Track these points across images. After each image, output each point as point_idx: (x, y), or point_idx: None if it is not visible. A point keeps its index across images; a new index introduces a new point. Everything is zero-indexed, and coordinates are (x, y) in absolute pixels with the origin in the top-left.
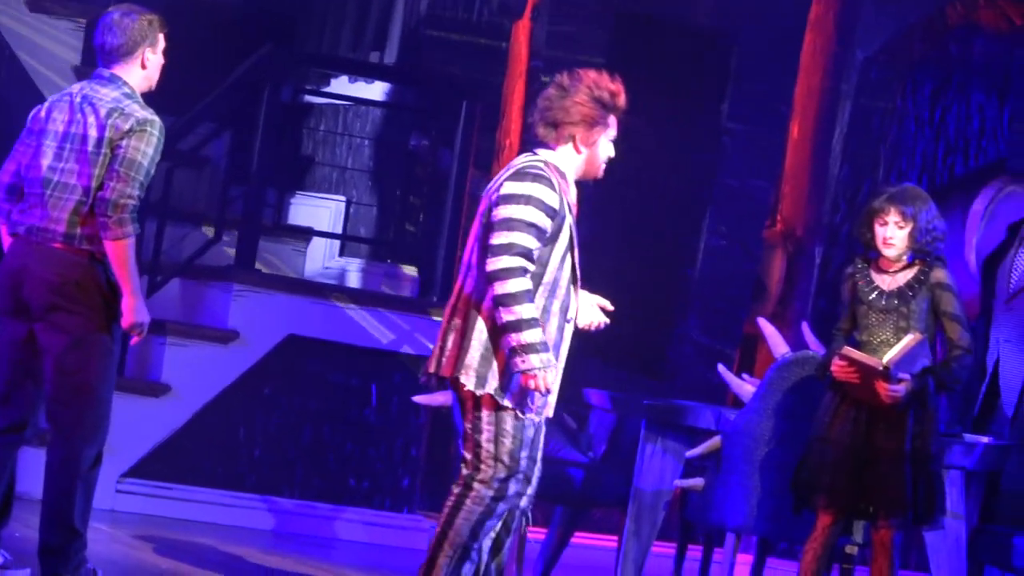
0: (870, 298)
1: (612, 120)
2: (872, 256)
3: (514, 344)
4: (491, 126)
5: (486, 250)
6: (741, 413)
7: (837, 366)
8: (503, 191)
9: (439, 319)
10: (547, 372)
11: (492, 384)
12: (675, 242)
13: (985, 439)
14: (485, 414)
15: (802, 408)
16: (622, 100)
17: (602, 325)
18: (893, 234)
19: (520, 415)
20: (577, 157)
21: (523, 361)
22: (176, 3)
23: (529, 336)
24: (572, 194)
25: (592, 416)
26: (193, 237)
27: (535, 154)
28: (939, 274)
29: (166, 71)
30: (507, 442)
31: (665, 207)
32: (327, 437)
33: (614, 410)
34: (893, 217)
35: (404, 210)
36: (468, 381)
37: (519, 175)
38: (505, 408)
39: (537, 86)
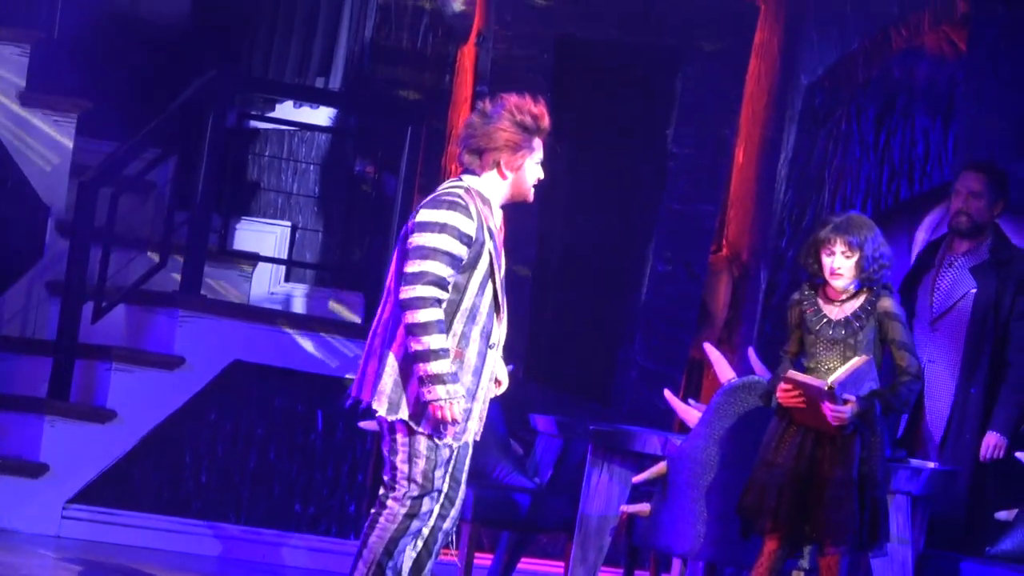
0: (817, 328)
1: (537, 143)
2: (819, 283)
3: (422, 374)
4: (437, 151)
5: (402, 277)
6: (687, 438)
7: (782, 391)
8: (418, 219)
9: None
10: (453, 403)
11: (404, 411)
12: (620, 266)
13: (931, 464)
14: (399, 437)
15: (748, 433)
16: (546, 122)
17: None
18: (840, 264)
19: (435, 441)
20: (503, 182)
21: (429, 392)
22: (120, 26)
23: (436, 367)
24: (495, 220)
25: (538, 441)
26: (138, 262)
27: (460, 180)
28: (885, 303)
29: (111, 95)
30: (420, 463)
31: (610, 232)
32: (273, 462)
33: (560, 435)
34: (840, 247)
35: (349, 235)
36: (380, 407)
37: (435, 203)
38: (419, 432)
39: None
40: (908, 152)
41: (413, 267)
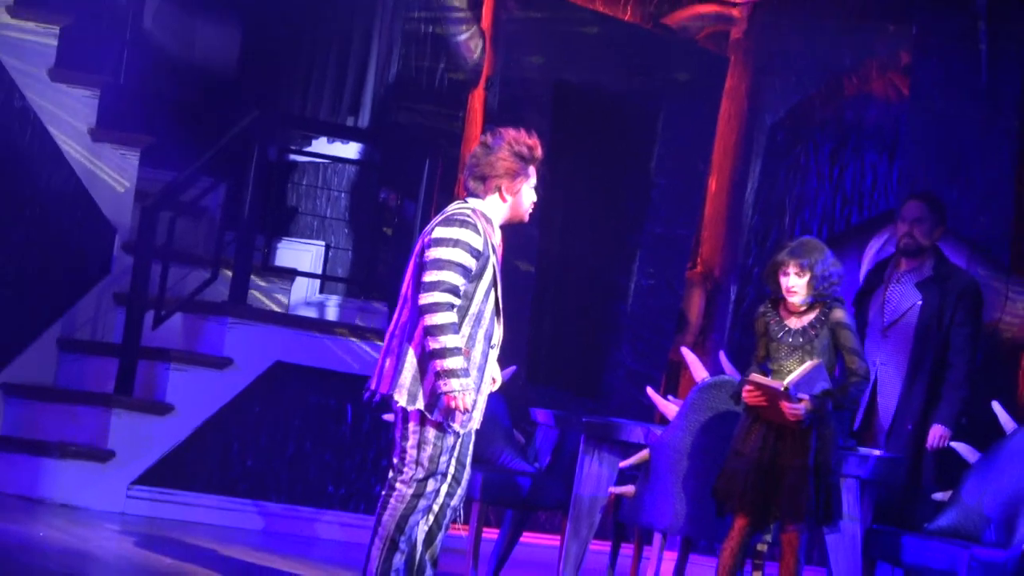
0: (779, 336)
1: (532, 170)
2: (780, 298)
3: (438, 369)
4: (450, 181)
5: (420, 285)
6: (667, 429)
7: (746, 391)
8: (434, 235)
9: None
10: (465, 394)
11: (420, 401)
12: (610, 281)
13: (877, 452)
14: (412, 425)
15: (719, 425)
16: (539, 152)
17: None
18: (794, 283)
19: (444, 427)
20: (503, 205)
21: (445, 384)
22: (178, 71)
23: (451, 363)
24: (496, 237)
25: (537, 432)
26: (193, 276)
27: (465, 202)
28: (837, 314)
29: (170, 131)
30: (428, 449)
31: (601, 251)
32: (309, 450)
33: (557, 427)
34: (793, 269)
35: (375, 253)
36: (401, 398)
37: (448, 221)
38: (431, 421)
39: None
40: (858, 183)
41: (431, 277)
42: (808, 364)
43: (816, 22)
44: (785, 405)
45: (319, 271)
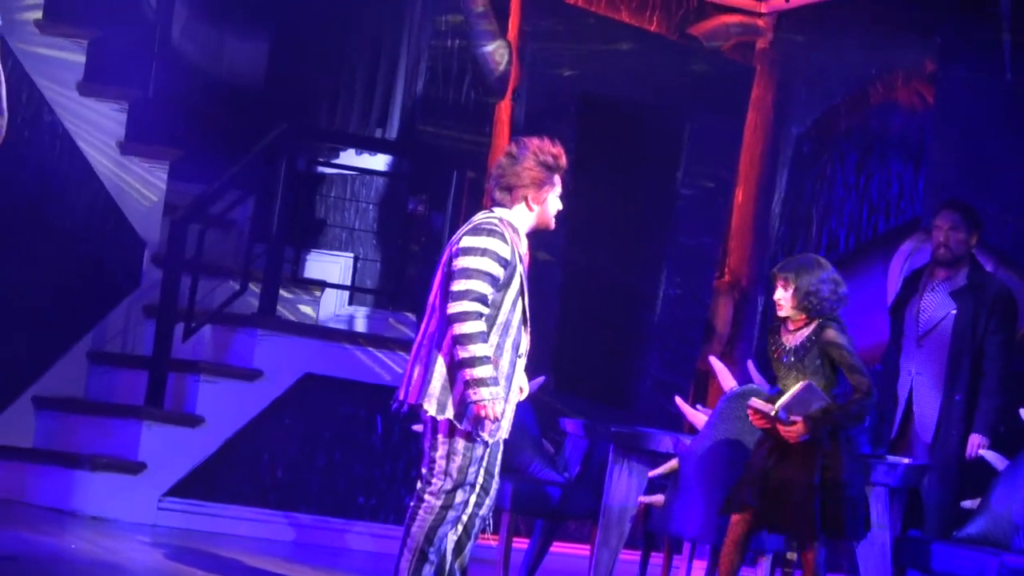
0: (777, 356)
1: (557, 179)
2: (782, 319)
3: (468, 378)
4: (477, 192)
5: (448, 295)
6: (695, 439)
7: (749, 415)
8: (462, 244)
9: None
10: (495, 403)
11: (450, 411)
12: (637, 291)
13: (906, 460)
14: (441, 436)
15: (747, 435)
16: (563, 161)
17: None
18: (779, 296)
19: (473, 437)
20: (530, 214)
21: (475, 393)
22: (206, 85)
23: (481, 372)
24: (523, 247)
25: (567, 441)
26: (222, 289)
27: (492, 212)
28: (828, 334)
29: (198, 144)
30: (457, 459)
31: (628, 261)
32: (338, 460)
33: (586, 436)
34: (779, 282)
35: (403, 264)
36: (430, 407)
37: (476, 230)
38: (460, 430)
39: None
40: (884, 192)
41: (460, 286)
42: (798, 386)
43: (841, 32)
44: (780, 427)
45: (348, 283)
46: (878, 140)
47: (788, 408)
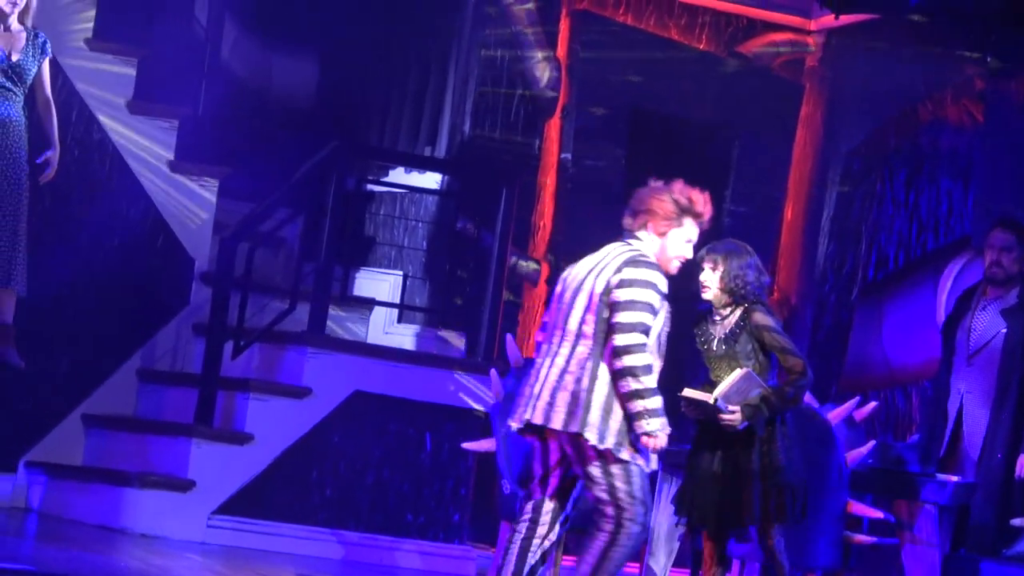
0: (706, 346)
1: (688, 222)
2: (707, 308)
3: (639, 409)
4: (527, 211)
5: (601, 323)
6: None
7: (683, 406)
8: (625, 276)
9: (484, 376)
10: (664, 433)
11: (611, 440)
12: (686, 309)
13: (955, 478)
14: (609, 464)
15: (798, 451)
16: (700, 207)
17: None
18: (705, 277)
19: (629, 465)
20: (655, 244)
21: (648, 423)
22: (256, 102)
23: (652, 403)
24: None
25: None
26: (272, 307)
27: (630, 244)
28: (756, 317)
29: (248, 162)
30: (622, 486)
31: (677, 279)
32: (387, 478)
33: None
34: (707, 264)
35: (453, 283)
36: (591, 436)
37: (635, 263)
38: (615, 459)
39: (567, 175)
40: (934, 209)
41: (628, 318)
42: (736, 373)
43: (890, 49)
44: (720, 417)
45: (397, 300)
46: (927, 158)
47: (727, 397)
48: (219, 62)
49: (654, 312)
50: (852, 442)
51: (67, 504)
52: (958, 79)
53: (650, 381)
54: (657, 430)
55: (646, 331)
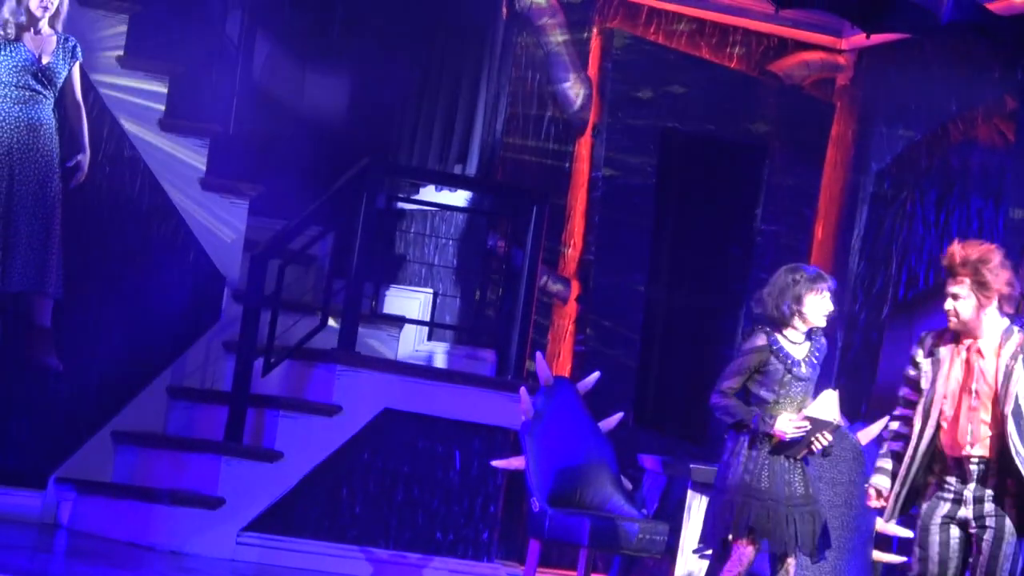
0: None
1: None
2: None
3: None
4: (557, 229)
5: None
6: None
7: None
8: None
9: (514, 394)
10: None
11: None
12: (715, 328)
13: None
14: None
15: (827, 471)
16: (945, 262)
17: None
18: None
19: None
20: None
21: None
22: (286, 121)
23: None
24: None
25: (645, 478)
26: (302, 324)
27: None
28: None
29: (279, 180)
30: None
31: (708, 297)
32: (417, 496)
33: (664, 473)
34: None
35: (483, 301)
36: None
37: None
38: None
39: (598, 195)
40: (965, 229)
41: None
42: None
43: (921, 68)
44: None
45: (427, 318)
46: (959, 177)
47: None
48: (251, 80)
49: None
50: None
51: (97, 521)
52: (989, 98)
53: None
54: None
55: None
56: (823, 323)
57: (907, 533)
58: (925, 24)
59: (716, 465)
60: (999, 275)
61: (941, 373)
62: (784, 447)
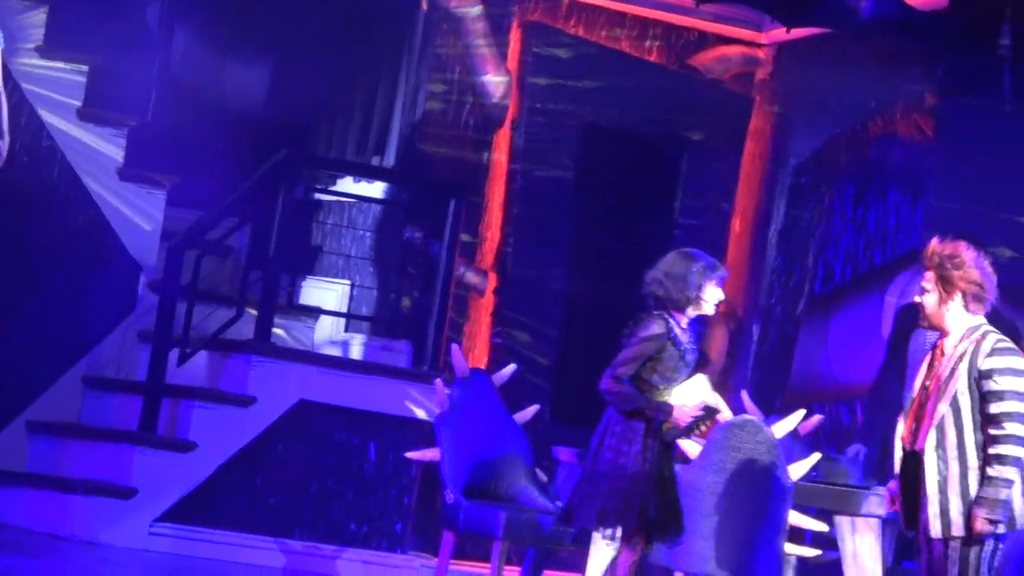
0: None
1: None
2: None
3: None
4: (475, 221)
5: (988, 417)
6: (688, 468)
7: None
8: (1004, 365)
9: (430, 386)
10: None
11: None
12: (635, 319)
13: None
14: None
15: (742, 465)
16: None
17: None
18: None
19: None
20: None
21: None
22: (204, 112)
23: None
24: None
25: (560, 470)
26: (218, 315)
27: (983, 322)
28: None
29: (196, 171)
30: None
31: (626, 291)
32: (331, 488)
33: (580, 465)
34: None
35: (400, 292)
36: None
37: (1007, 351)
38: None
39: (516, 187)
40: (882, 224)
41: (1008, 408)
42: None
43: (841, 63)
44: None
45: (344, 310)
46: (877, 172)
47: None
48: (169, 71)
49: None
50: (796, 455)
51: (10, 511)
52: (909, 94)
53: None
54: None
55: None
56: (713, 311)
57: (821, 526)
58: (845, 20)
59: (592, 447)
60: (966, 273)
61: (920, 371)
62: (674, 433)
